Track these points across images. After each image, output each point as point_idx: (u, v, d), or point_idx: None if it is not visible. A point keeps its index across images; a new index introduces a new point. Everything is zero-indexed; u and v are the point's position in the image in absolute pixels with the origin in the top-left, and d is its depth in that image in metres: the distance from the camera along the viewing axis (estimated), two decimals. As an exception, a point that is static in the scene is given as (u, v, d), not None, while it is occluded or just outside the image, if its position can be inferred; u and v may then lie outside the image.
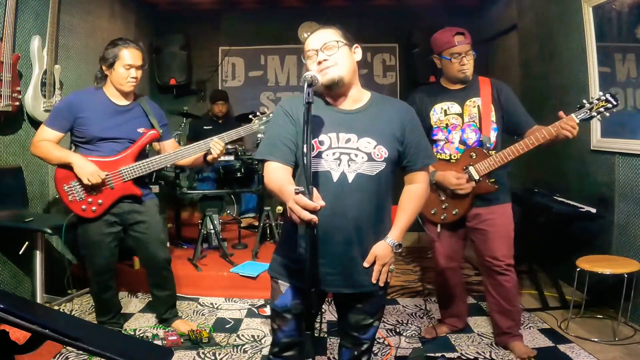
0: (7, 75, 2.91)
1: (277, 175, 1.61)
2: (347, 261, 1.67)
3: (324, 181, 1.62)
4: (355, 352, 1.83)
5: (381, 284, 1.71)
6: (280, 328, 1.76)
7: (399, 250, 1.71)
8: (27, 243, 3.01)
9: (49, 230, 2.89)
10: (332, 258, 1.65)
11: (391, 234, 1.71)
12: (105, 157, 2.62)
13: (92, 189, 2.60)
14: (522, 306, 3.12)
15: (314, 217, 1.37)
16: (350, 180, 1.63)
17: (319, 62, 1.65)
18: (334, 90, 1.68)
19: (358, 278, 1.69)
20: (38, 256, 3.05)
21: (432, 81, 5.29)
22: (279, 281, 1.75)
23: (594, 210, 3.17)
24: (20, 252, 3.01)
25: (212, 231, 4.13)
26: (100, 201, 2.62)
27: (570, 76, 3.59)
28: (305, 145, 1.46)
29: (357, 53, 1.74)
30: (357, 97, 1.73)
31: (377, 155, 1.65)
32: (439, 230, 2.72)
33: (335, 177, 1.63)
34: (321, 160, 1.63)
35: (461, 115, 2.62)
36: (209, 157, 2.74)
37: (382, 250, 1.69)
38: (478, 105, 2.59)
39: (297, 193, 1.37)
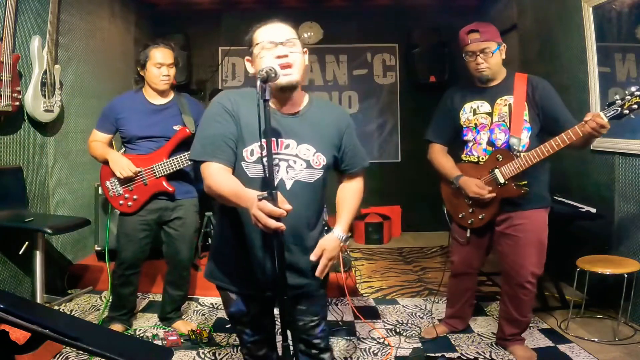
0: (7, 75, 2.91)
1: (226, 177, 1.53)
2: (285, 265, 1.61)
3: (262, 188, 1.53)
4: (313, 351, 1.79)
5: (320, 275, 1.64)
6: (243, 331, 1.76)
7: (347, 242, 1.70)
8: (27, 243, 3.01)
9: (49, 230, 2.89)
10: (269, 263, 1.60)
11: (338, 228, 1.69)
12: (141, 155, 2.74)
13: (127, 185, 2.72)
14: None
15: (281, 225, 1.34)
16: (288, 188, 1.58)
17: (280, 56, 1.54)
18: (284, 94, 1.60)
19: (294, 281, 1.65)
20: (38, 256, 3.05)
21: (432, 81, 5.29)
22: (227, 291, 1.72)
23: (594, 210, 3.17)
24: (20, 252, 3.01)
25: (212, 231, 4.12)
26: (135, 197, 2.75)
27: (570, 76, 3.59)
28: (262, 146, 1.42)
29: (305, 56, 1.67)
30: (296, 100, 1.66)
31: (316, 162, 1.62)
32: (468, 235, 2.63)
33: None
34: (260, 166, 1.56)
35: (491, 114, 2.50)
36: None
37: (330, 243, 1.65)
38: (509, 104, 2.45)
39: (260, 199, 1.33)
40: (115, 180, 2.75)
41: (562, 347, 2.72)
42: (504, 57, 2.49)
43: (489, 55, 2.43)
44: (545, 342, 2.80)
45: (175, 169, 2.74)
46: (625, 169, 3.10)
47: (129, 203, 2.76)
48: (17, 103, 3.04)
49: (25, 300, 2.78)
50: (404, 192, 5.56)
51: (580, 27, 3.36)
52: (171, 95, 2.86)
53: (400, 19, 5.52)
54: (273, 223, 1.33)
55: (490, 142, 2.50)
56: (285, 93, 1.60)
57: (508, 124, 2.45)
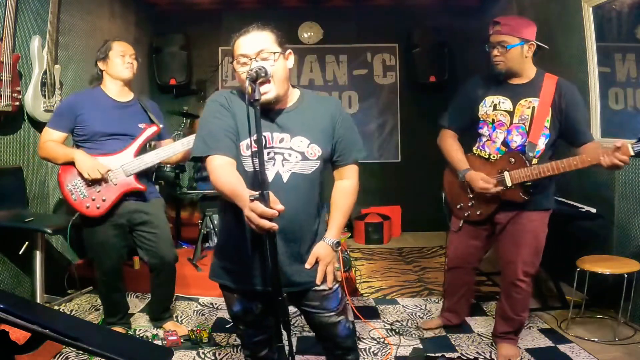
0: (7, 75, 2.91)
1: (228, 174, 1.53)
2: (287, 260, 1.64)
3: (258, 182, 1.54)
4: (337, 352, 1.81)
5: (329, 284, 1.70)
6: (245, 331, 1.77)
7: (339, 247, 1.72)
8: (27, 243, 3.01)
9: (49, 230, 2.89)
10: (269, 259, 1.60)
11: (329, 233, 1.71)
12: (107, 154, 2.62)
13: (94, 185, 2.58)
14: (529, 315, 2.99)
15: (274, 225, 1.32)
16: (285, 180, 1.61)
17: None
18: (267, 107, 1.60)
19: (299, 277, 1.67)
20: (38, 256, 3.05)
21: (432, 81, 5.28)
22: (229, 290, 1.74)
23: (594, 210, 3.17)
24: (20, 252, 3.01)
25: (212, 231, 4.13)
26: (104, 198, 2.60)
27: (570, 76, 3.57)
28: (251, 145, 1.42)
29: (290, 60, 1.66)
30: (288, 96, 1.69)
31: (311, 154, 1.63)
32: (461, 225, 2.67)
33: (270, 177, 1.59)
34: (255, 160, 1.53)
35: (511, 114, 2.42)
36: None
37: (323, 250, 1.69)
38: (534, 107, 2.36)
39: (252, 200, 1.32)
40: (78, 182, 2.57)
41: (562, 347, 2.72)
42: (527, 55, 2.39)
43: (505, 49, 2.38)
44: (545, 342, 2.80)
45: (145, 167, 2.64)
46: (625, 169, 3.06)
47: (97, 205, 2.57)
48: (17, 103, 3.04)
49: (25, 300, 2.78)
50: (404, 192, 5.56)
51: (580, 27, 3.36)
52: (132, 95, 2.78)
53: (400, 19, 5.52)
54: (266, 223, 1.31)
55: (505, 143, 2.44)
56: (266, 106, 1.58)
57: (527, 128, 2.38)
